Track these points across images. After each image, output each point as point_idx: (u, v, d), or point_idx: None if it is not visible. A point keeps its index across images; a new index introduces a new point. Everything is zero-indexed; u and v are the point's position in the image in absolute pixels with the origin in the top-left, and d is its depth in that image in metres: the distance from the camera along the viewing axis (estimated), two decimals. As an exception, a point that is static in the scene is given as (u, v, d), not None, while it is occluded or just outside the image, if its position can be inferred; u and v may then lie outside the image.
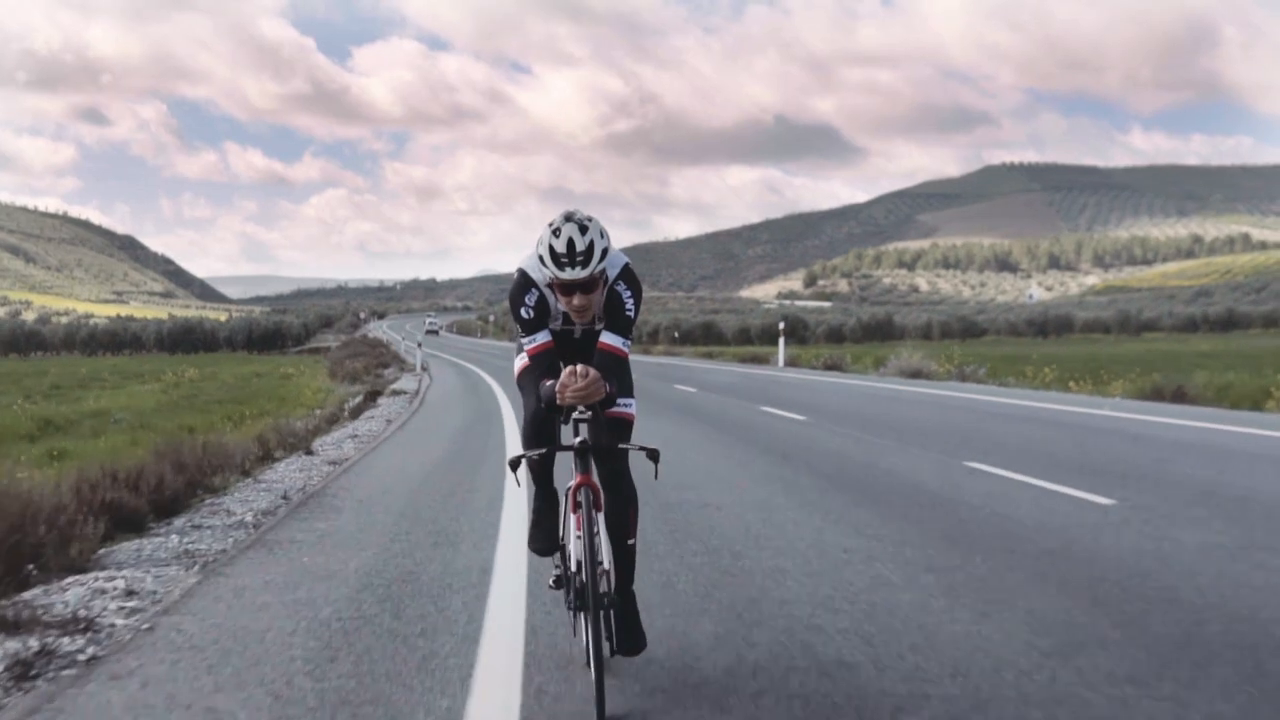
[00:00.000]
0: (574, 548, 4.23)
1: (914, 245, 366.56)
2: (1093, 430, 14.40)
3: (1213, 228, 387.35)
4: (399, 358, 56.95)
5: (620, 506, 4.44)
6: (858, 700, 4.09)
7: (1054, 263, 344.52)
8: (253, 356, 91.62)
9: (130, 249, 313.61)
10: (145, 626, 5.34)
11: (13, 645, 4.95)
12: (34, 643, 4.96)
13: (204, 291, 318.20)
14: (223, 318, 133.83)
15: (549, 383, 4.24)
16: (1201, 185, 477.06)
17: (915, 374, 30.34)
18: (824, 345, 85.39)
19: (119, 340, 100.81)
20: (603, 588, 4.18)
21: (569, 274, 4.12)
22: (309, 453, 13.45)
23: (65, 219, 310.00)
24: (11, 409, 27.33)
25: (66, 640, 5.07)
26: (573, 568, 4.25)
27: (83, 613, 5.56)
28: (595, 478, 4.31)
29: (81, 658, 4.85)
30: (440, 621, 5.29)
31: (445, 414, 20.26)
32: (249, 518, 8.68)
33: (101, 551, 7.20)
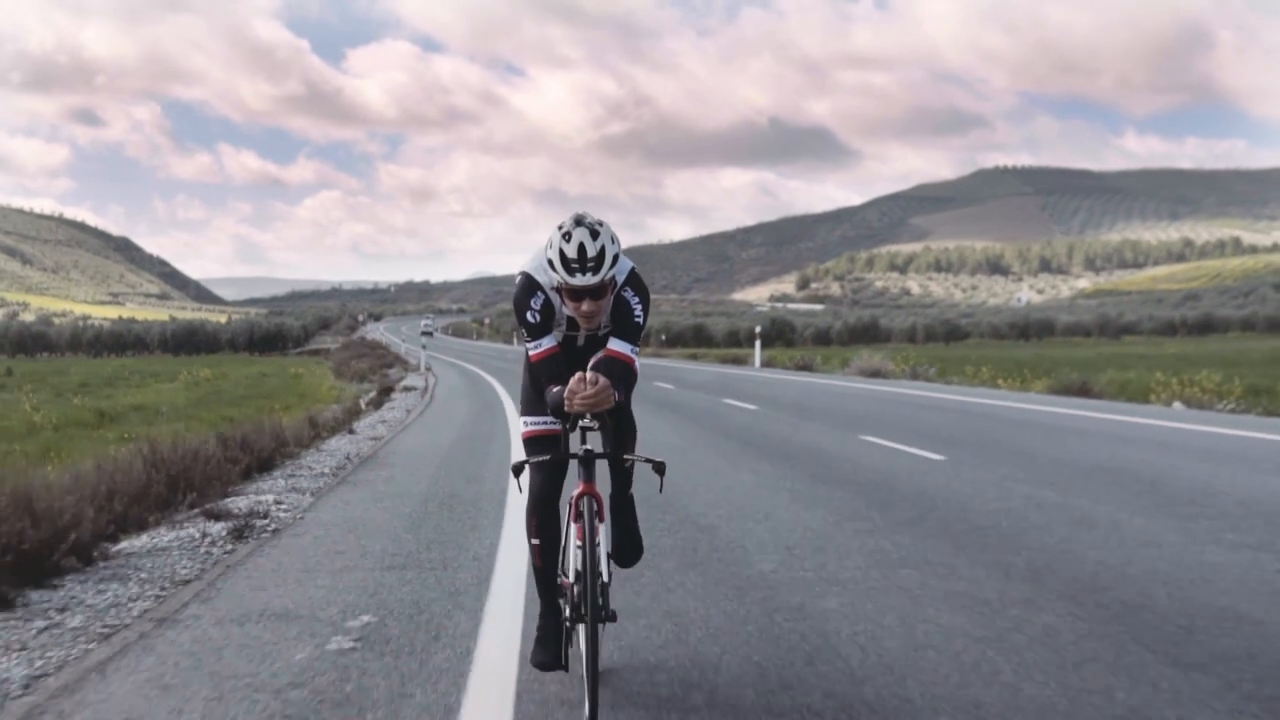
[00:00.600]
0: (574, 558, 4.21)
1: (906, 248, 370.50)
2: (969, 414, 17.87)
3: (1205, 231, 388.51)
4: (401, 359, 60.41)
5: (624, 493, 4.61)
6: (720, 546, 7.52)
7: (1045, 266, 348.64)
8: (255, 358, 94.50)
9: (126, 251, 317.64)
10: (298, 518, 8.79)
11: (224, 525, 8.37)
12: (235, 524, 8.38)
13: (200, 293, 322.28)
14: (222, 319, 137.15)
15: (556, 389, 4.17)
16: (1194, 189, 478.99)
17: (874, 373, 33.84)
18: (811, 347, 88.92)
19: (123, 341, 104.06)
20: (601, 601, 4.17)
21: (580, 280, 4.07)
22: (351, 432, 16.90)
23: (61, 220, 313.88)
24: (71, 403, 30.68)
25: (257, 521, 8.51)
26: (571, 578, 4.24)
27: (258, 509, 9.00)
28: (597, 487, 4.26)
29: (268, 531, 8.28)
30: (477, 514, 8.72)
31: (455, 405, 23.74)
32: (327, 470, 12.12)
33: (240, 485, 10.66)
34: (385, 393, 28.94)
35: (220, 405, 30.31)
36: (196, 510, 8.90)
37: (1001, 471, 10.70)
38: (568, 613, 4.27)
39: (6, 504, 6.59)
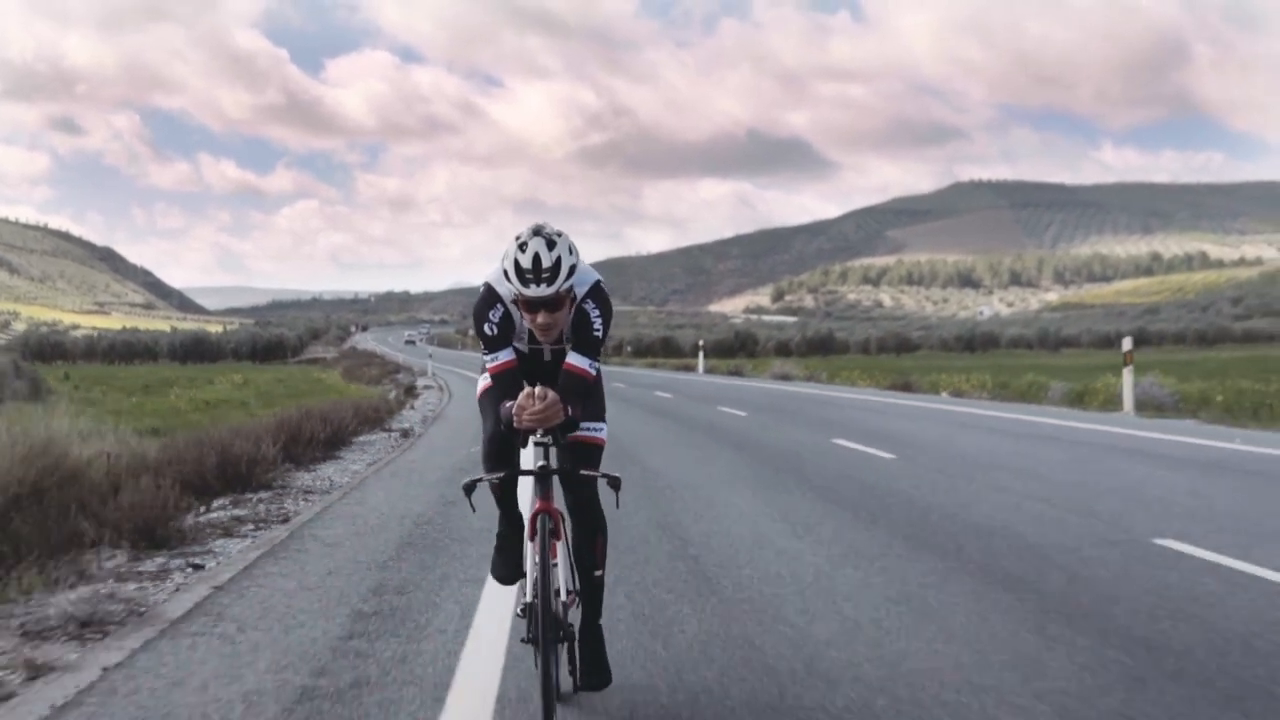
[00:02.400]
0: (529, 578, 4.26)
1: (880, 261, 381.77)
2: (796, 398, 28.47)
3: (1175, 245, 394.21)
4: (402, 366, 70.77)
5: (587, 535, 4.45)
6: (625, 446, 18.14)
7: (1015, 279, 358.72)
8: (260, 366, 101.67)
9: (110, 260, 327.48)
10: (425, 432, 19.37)
11: (394, 434, 18.89)
12: (400, 433, 18.87)
13: (183, 303, 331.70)
14: (217, 329, 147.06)
15: (508, 404, 4.18)
16: (1167, 203, 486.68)
17: (783, 377, 44.57)
18: (772, 358, 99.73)
19: (134, 350, 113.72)
20: (571, 618, 4.31)
21: (533, 291, 4.07)
22: (412, 408, 27.43)
23: (47, 230, 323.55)
24: (171, 397, 40.87)
25: (410, 433, 19.10)
26: (528, 597, 4.26)
27: (406, 429, 19.61)
28: (556, 503, 4.27)
29: (415, 436, 18.80)
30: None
31: (473, 396, 34.35)
32: (419, 420, 22.65)
33: (378, 426, 21.26)
34: (409, 390, 39.30)
35: (283, 399, 40.15)
36: (377, 429, 19.49)
37: (784, 421, 21.33)
38: (528, 631, 4.27)
39: (309, 418, 17.05)
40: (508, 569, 4.68)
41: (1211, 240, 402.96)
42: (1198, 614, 5.78)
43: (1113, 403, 22.98)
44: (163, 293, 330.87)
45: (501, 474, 4.36)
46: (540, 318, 4.18)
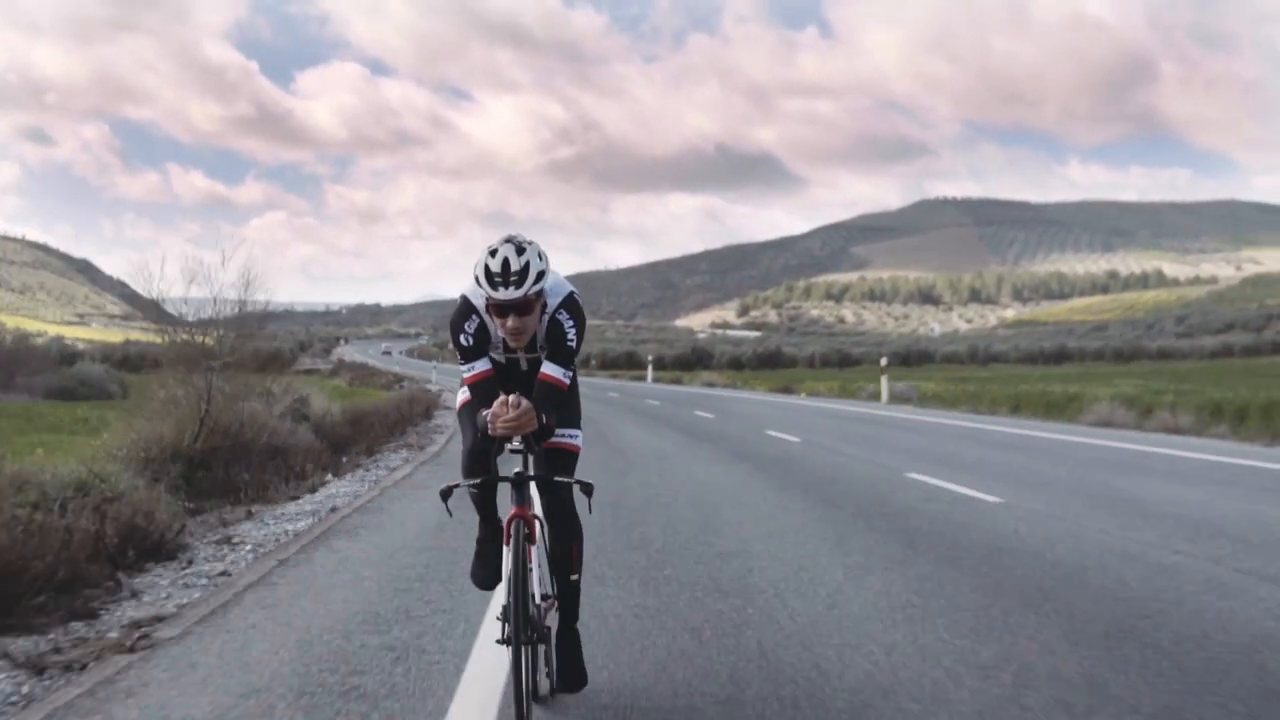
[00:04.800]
0: (505, 581, 4.45)
1: (844, 278, 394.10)
2: (707, 396, 43.70)
3: (1135, 263, 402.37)
4: (401, 375, 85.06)
5: (563, 541, 4.69)
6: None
7: (975, 296, 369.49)
8: (265, 375, 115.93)
9: (87, 272, 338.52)
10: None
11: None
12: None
13: (159, 315, 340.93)
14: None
15: (485, 412, 4.43)
16: (1131, 221, 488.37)
17: (710, 384, 59.95)
18: (726, 371, 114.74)
19: (148, 360, 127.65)
20: (548, 621, 4.59)
21: (502, 294, 4.31)
22: (448, 407, 42.60)
23: (25, 242, 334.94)
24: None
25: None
26: (504, 599, 4.43)
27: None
28: (532, 510, 4.51)
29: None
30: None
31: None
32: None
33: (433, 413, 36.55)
34: (424, 389, 54.12)
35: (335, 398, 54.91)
36: (434, 416, 34.80)
37: (679, 405, 36.62)
38: (500, 633, 4.45)
39: (402, 402, 32.18)
40: (487, 573, 4.98)
41: (1171, 259, 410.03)
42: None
43: (877, 396, 38.57)
44: (139, 304, 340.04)
45: (478, 481, 4.59)
46: (510, 321, 4.40)
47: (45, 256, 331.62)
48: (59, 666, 5.64)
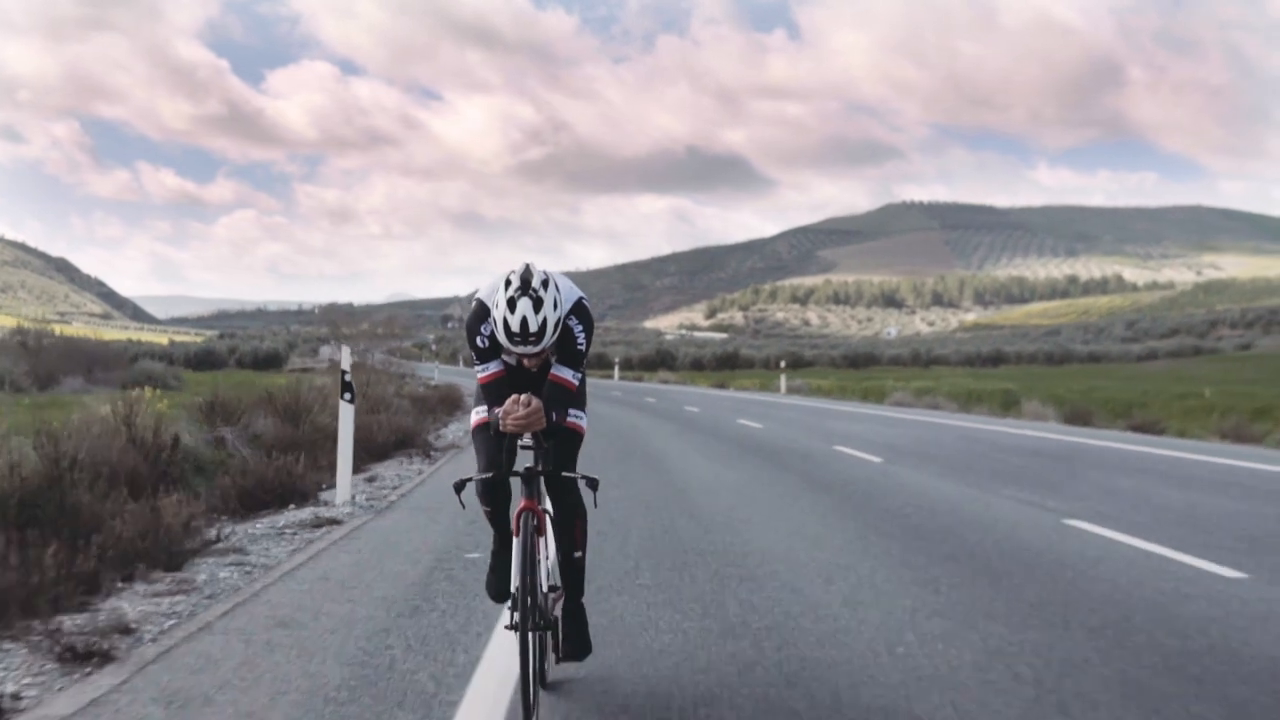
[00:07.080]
0: (514, 571, 4.66)
1: (810, 281, 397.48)
2: (658, 390, 58.11)
3: (1096, 268, 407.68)
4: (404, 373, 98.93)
5: (567, 520, 4.94)
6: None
7: (938, 300, 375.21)
8: (264, 374, 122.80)
9: (66, 271, 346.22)
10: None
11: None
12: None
13: (136, 313, 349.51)
14: (164, 340, 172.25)
15: (497, 410, 4.67)
16: (1095, 226, 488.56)
17: (664, 380, 74.52)
18: (686, 371, 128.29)
19: (154, 357, 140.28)
20: (556, 610, 4.87)
21: (521, 349, 4.54)
22: (471, 395, 56.99)
23: (4, 241, 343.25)
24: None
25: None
26: (513, 588, 4.68)
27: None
28: (541, 504, 4.74)
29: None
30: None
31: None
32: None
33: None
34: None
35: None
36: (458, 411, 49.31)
37: (631, 395, 51.02)
38: (508, 619, 4.67)
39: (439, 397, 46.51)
40: (501, 586, 5.11)
41: (1133, 264, 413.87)
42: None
43: (776, 389, 53.24)
44: (116, 303, 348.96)
45: (490, 474, 4.78)
46: (527, 361, 4.72)
47: (24, 255, 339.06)
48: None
